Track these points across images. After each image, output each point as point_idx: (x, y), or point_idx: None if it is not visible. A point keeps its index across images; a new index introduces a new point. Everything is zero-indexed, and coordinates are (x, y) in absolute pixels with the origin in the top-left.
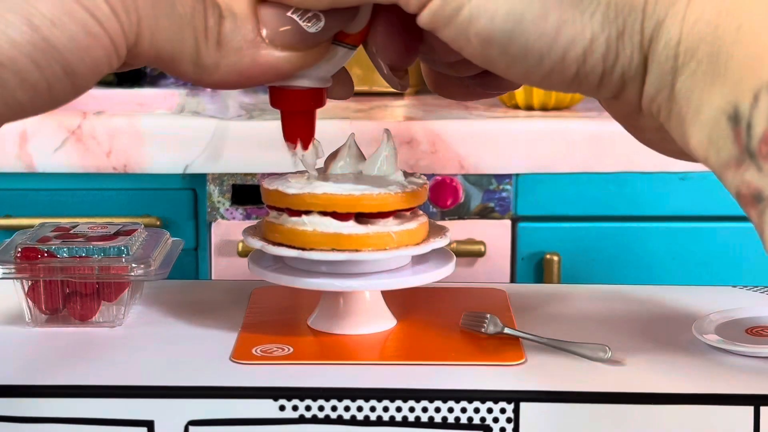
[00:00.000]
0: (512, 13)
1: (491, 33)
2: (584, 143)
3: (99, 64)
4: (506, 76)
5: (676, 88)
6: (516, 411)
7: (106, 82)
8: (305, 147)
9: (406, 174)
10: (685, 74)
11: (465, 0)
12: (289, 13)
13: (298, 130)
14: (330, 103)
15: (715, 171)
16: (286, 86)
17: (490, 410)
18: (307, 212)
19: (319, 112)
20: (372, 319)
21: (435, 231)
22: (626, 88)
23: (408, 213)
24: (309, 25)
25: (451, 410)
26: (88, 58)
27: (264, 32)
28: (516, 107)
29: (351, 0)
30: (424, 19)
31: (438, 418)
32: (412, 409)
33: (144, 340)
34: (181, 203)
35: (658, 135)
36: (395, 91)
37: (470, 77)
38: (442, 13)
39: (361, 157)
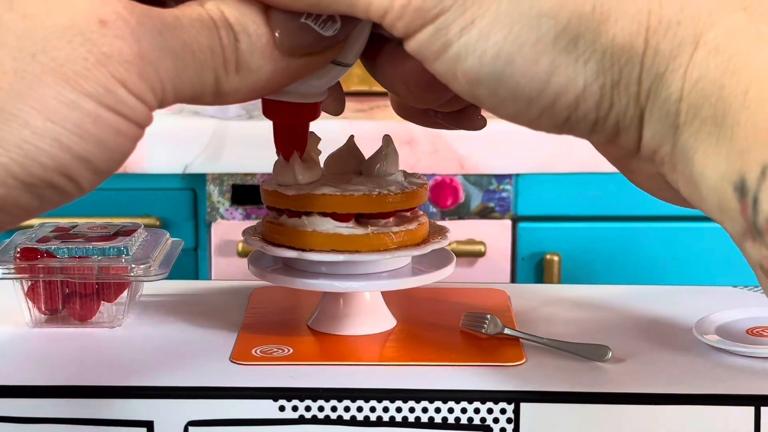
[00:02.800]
0: (502, 55)
1: (479, 73)
2: (584, 143)
3: (127, 152)
4: (495, 114)
5: (678, 145)
6: (516, 411)
7: None
8: (288, 158)
9: (406, 174)
10: (688, 133)
11: (454, 37)
12: (303, 20)
13: (292, 142)
14: None
15: (734, 240)
16: (280, 99)
17: (490, 410)
18: (307, 213)
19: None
20: (372, 320)
21: (435, 231)
22: (621, 135)
23: (408, 213)
24: (325, 28)
25: (451, 410)
26: (117, 154)
27: (281, 45)
28: None
29: (332, 7)
30: (411, 47)
31: (438, 419)
32: (412, 410)
33: (144, 340)
34: (181, 203)
35: (654, 182)
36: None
37: (441, 119)
38: (430, 47)
39: (361, 157)
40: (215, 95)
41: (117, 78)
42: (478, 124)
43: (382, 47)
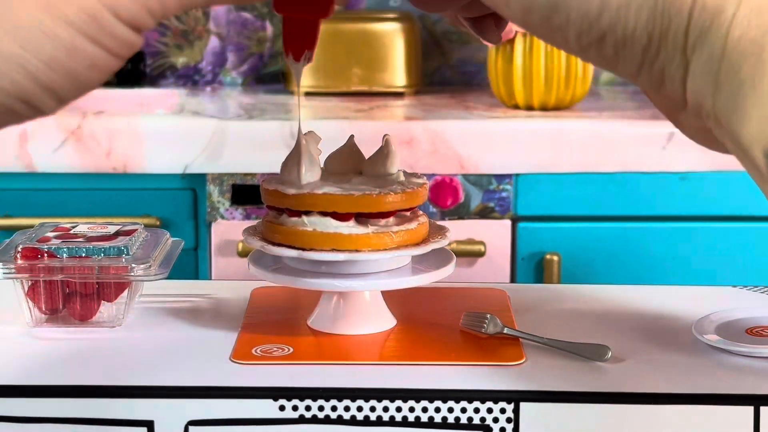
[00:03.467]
0: None
1: (532, 3)
2: (584, 143)
3: (97, 84)
4: (543, 40)
5: (719, 103)
6: (516, 411)
7: (105, 82)
8: (298, 58)
9: (406, 174)
10: (727, 92)
11: None
12: None
13: (303, 39)
14: (330, 103)
15: None
16: None
17: (490, 410)
18: (307, 212)
19: (319, 111)
20: (372, 319)
21: (435, 231)
22: (665, 84)
23: (408, 213)
24: None
25: (451, 410)
26: (86, 87)
27: None
28: (516, 107)
29: None
30: None
31: (438, 418)
32: (412, 409)
33: (144, 340)
34: (181, 203)
35: (703, 135)
36: (395, 91)
37: (462, 26)
38: None
39: (361, 157)
40: None
41: (106, 3)
42: (493, 38)
43: None
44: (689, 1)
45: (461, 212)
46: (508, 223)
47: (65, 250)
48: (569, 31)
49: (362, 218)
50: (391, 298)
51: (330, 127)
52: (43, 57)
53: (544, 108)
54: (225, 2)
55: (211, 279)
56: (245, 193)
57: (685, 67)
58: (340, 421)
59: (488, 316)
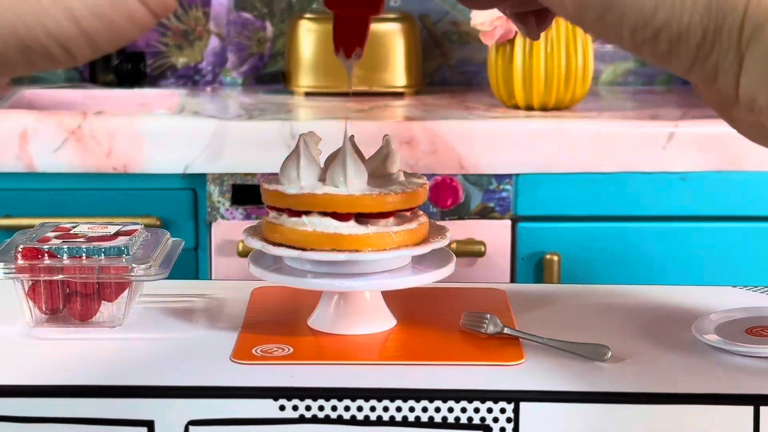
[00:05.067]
0: None
1: (587, 1)
2: (584, 143)
3: (132, 38)
4: (596, 37)
5: None
6: (516, 411)
7: (106, 83)
8: (349, 54)
9: (406, 174)
10: None
11: None
12: None
13: (354, 36)
14: (330, 103)
15: None
16: None
17: (490, 410)
18: (307, 212)
19: (319, 111)
20: (372, 319)
21: (435, 231)
22: (718, 79)
23: (408, 213)
24: None
25: (451, 410)
26: (122, 38)
27: None
28: (516, 107)
29: None
30: None
31: (438, 418)
32: (412, 409)
33: (144, 340)
34: (181, 203)
35: (755, 130)
36: (395, 91)
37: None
38: None
39: (361, 157)
40: None
41: None
42: (532, 33)
43: None
44: None
45: (461, 212)
46: (508, 223)
47: (65, 250)
48: (623, 29)
49: (362, 218)
50: (391, 298)
51: (330, 127)
52: (89, 4)
53: (544, 108)
54: None
55: (211, 279)
56: (245, 193)
57: (740, 62)
58: (340, 421)
59: (488, 316)
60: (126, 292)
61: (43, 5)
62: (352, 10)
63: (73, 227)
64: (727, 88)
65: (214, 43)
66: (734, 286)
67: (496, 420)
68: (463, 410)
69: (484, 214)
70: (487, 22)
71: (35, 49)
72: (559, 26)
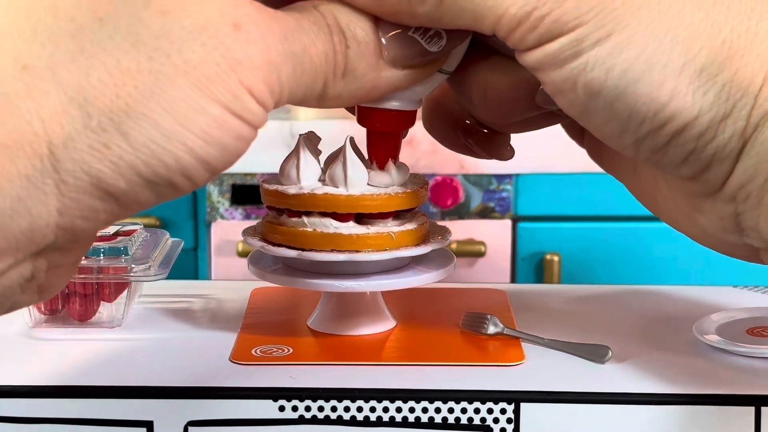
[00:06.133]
0: (630, 73)
1: (602, 86)
2: None
3: (242, 153)
4: (597, 132)
5: None
6: (516, 411)
7: None
8: (382, 166)
9: None
10: None
11: (586, 47)
12: (410, 33)
13: (387, 149)
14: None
15: None
16: (378, 107)
17: (490, 410)
18: (307, 213)
19: (319, 111)
20: (372, 320)
21: (435, 231)
22: (711, 170)
23: (408, 213)
24: (431, 44)
25: (451, 410)
26: (234, 156)
27: (386, 54)
28: None
29: (455, 22)
30: (533, 57)
31: (438, 419)
32: (412, 410)
33: (144, 340)
34: (181, 203)
35: (724, 223)
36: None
37: (471, 139)
38: (558, 55)
39: (361, 157)
40: (320, 99)
41: (245, 85)
42: (507, 154)
43: (476, 54)
44: (757, 86)
45: (461, 212)
46: (508, 223)
47: None
48: (631, 120)
49: (362, 218)
50: (391, 298)
51: (330, 127)
52: (199, 133)
53: None
54: (313, 104)
55: (211, 279)
56: (245, 193)
57: (740, 149)
58: (340, 421)
59: (488, 316)
60: (125, 292)
61: (158, 143)
62: (385, 127)
63: None
64: (716, 178)
65: None
66: (734, 286)
67: (496, 421)
68: (464, 411)
69: (484, 214)
70: None
71: (159, 184)
72: None
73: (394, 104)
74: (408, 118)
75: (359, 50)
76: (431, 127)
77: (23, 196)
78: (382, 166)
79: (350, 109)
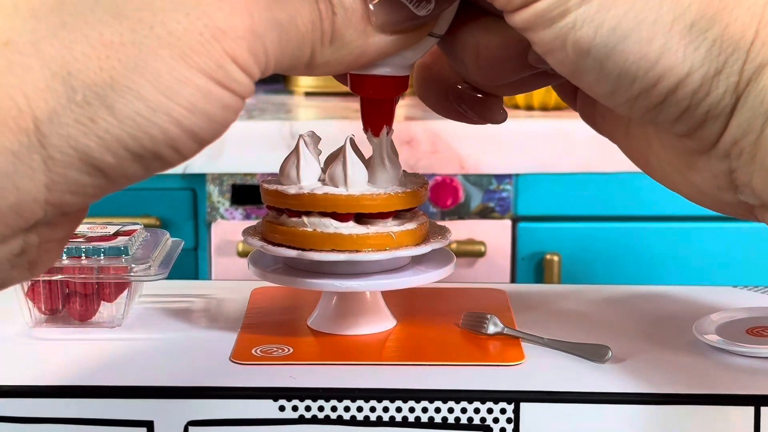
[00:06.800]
0: (618, 29)
1: (591, 44)
2: (584, 143)
3: (230, 123)
4: (589, 91)
5: (765, 133)
6: (516, 411)
7: None
8: (377, 134)
9: (406, 174)
10: None
11: (573, 5)
12: None
13: (381, 116)
14: (330, 103)
15: None
16: (369, 73)
17: (490, 410)
18: (307, 212)
19: (319, 111)
20: (372, 320)
21: (435, 231)
22: (705, 126)
23: (408, 213)
24: (419, 8)
25: (451, 410)
26: (221, 126)
27: (374, 20)
28: (516, 107)
29: None
30: (521, 17)
31: (438, 418)
32: (412, 409)
33: (144, 340)
34: (181, 203)
35: (717, 180)
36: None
37: (464, 104)
38: (546, 15)
39: (361, 157)
40: (308, 67)
41: (229, 53)
42: (499, 117)
43: (466, 16)
44: (749, 39)
45: (461, 212)
46: (508, 223)
47: (65, 250)
48: (622, 79)
49: (362, 218)
50: (391, 298)
51: (330, 127)
52: (184, 103)
53: (544, 108)
54: (300, 71)
55: (211, 279)
56: (245, 193)
57: (734, 105)
58: (340, 421)
59: (488, 316)
60: (125, 292)
61: (143, 115)
62: (378, 94)
63: None
64: (711, 134)
65: None
66: (734, 286)
67: (496, 420)
68: (464, 411)
69: (484, 214)
70: None
71: (147, 157)
72: None
73: (385, 70)
74: (400, 84)
75: (346, 17)
76: (423, 94)
77: (10, 172)
78: (376, 134)
79: (340, 78)
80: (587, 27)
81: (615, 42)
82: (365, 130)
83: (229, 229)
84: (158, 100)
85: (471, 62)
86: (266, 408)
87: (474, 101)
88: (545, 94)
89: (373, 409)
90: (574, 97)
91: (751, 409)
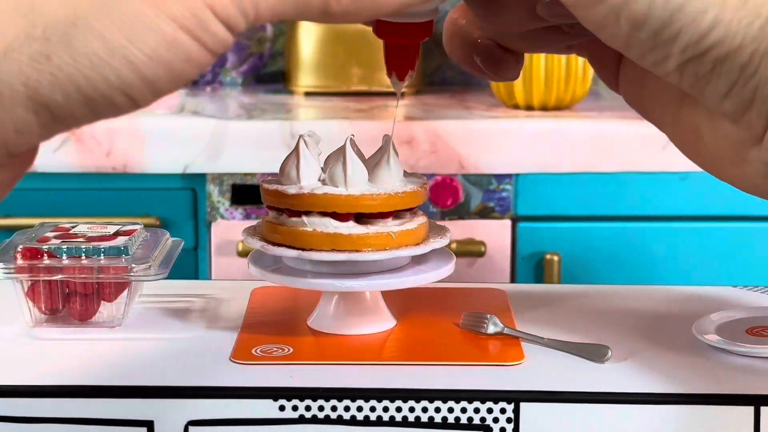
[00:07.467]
0: (672, 1)
1: (646, 17)
2: (584, 143)
3: (191, 77)
4: (637, 60)
5: None
6: (516, 411)
7: None
8: (402, 78)
9: (406, 174)
10: None
11: None
12: None
13: (404, 61)
14: (330, 103)
15: None
16: (394, 19)
17: (490, 410)
18: (307, 212)
19: (319, 111)
20: (372, 319)
21: (435, 231)
22: (753, 108)
23: (408, 213)
24: None
25: (451, 410)
26: (181, 79)
27: None
28: (516, 107)
29: None
30: None
31: (438, 418)
32: (412, 409)
33: (144, 340)
34: (181, 203)
35: (765, 170)
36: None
37: (482, 57)
38: None
39: (361, 157)
40: (323, 14)
41: (207, 2)
42: (510, 74)
43: None
44: None
45: (461, 212)
46: (508, 223)
47: (65, 250)
48: (675, 45)
49: (362, 218)
50: (391, 298)
51: (330, 127)
52: (145, 50)
53: (544, 108)
54: (314, 19)
55: (211, 279)
56: (245, 193)
57: None
58: (340, 421)
59: (488, 316)
60: (125, 292)
61: (101, 56)
62: (402, 39)
63: (73, 227)
64: (760, 120)
65: None
66: (734, 286)
67: (496, 420)
68: (463, 410)
69: (484, 214)
70: None
71: (98, 100)
72: None
73: (409, 17)
74: (425, 29)
75: None
76: (449, 48)
77: None
78: (401, 78)
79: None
80: (642, 1)
81: (670, 13)
82: (389, 74)
83: (229, 229)
84: (119, 42)
85: (482, 9)
86: (266, 408)
87: (492, 56)
88: (545, 94)
89: (373, 409)
90: (615, 83)
91: (750, 409)
